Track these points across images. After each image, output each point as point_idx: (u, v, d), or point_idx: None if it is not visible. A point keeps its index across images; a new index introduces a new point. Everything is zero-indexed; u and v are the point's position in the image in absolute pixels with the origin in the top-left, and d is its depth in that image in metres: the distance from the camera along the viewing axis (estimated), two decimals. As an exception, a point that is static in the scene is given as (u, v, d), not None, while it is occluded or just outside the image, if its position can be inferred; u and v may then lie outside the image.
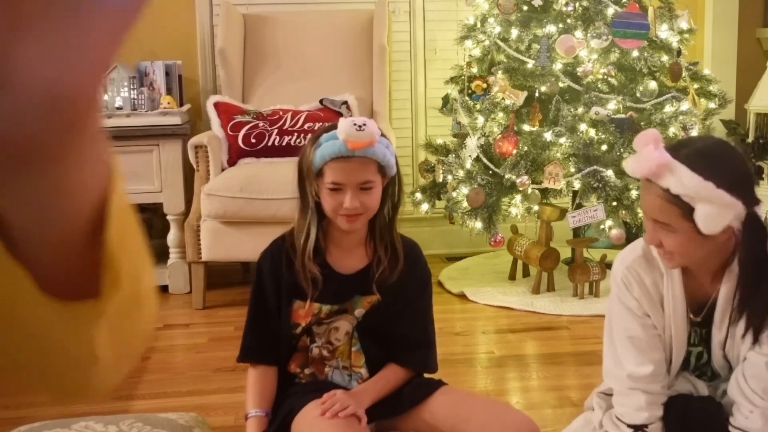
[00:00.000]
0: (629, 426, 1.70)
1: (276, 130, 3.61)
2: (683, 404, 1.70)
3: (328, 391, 1.70)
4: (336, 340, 1.79)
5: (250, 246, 3.00)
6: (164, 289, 3.71)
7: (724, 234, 1.54)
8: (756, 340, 1.61)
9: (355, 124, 1.67)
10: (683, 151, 1.55)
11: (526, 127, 3.57)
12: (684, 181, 1.48)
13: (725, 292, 1.64)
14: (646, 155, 1.51)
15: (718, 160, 1.53)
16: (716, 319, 1.66)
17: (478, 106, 3.67)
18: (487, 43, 3.70)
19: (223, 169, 3.54)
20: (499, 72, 3.58)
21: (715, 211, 1.48)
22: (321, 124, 3.29)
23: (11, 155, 0.29)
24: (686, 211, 1.50)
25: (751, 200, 1.54)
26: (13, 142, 0.28)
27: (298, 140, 3.57)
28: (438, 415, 1.75)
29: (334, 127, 1.70)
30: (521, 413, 1.79)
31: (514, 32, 3.63)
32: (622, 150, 3.41)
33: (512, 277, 3.87)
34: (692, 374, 1.76)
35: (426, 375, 1.87)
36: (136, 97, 3.80)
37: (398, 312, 1.80)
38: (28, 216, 0.32)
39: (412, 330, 1.82)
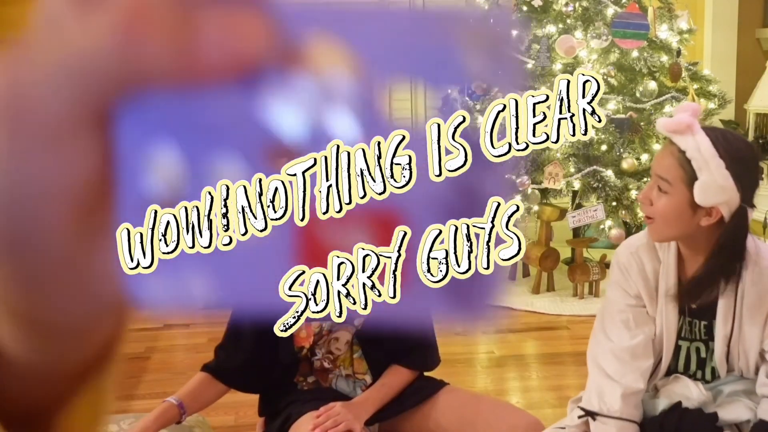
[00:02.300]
0: (580, 407, 1.69)
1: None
2: (678, 417, 1.69)
3: (328, 399, 1.69)
4: (336, 349, 1.79)
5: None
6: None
7: (707, 218, 1.58)
8: None
9: None
10: (713, 130, 1.63)
11: (525, 127, 3.57)
12: (701, 147, 1.55)
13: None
14: (678, 115, 1.59)
15: (738, 151, 1.61)
16: (719, 313, 1.67)
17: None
18: (486, 43, 3.70)
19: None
20: (499, 72, 3.58)
21: (714, 186, 1.54)
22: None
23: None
24: (689, 178, 1.56)
25: (747, 199, 1.60)
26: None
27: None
28: (444, 416, 1.75)
29: None
30: (529, 414, 1.79)
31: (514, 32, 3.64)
32: (621, 150, 3.41)
33: (512, 277, 3.87)
34: (691, 377, 1.75)
35: (426, 374, 1.87)
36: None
37: None
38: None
39: (411, 330, 1.82)
